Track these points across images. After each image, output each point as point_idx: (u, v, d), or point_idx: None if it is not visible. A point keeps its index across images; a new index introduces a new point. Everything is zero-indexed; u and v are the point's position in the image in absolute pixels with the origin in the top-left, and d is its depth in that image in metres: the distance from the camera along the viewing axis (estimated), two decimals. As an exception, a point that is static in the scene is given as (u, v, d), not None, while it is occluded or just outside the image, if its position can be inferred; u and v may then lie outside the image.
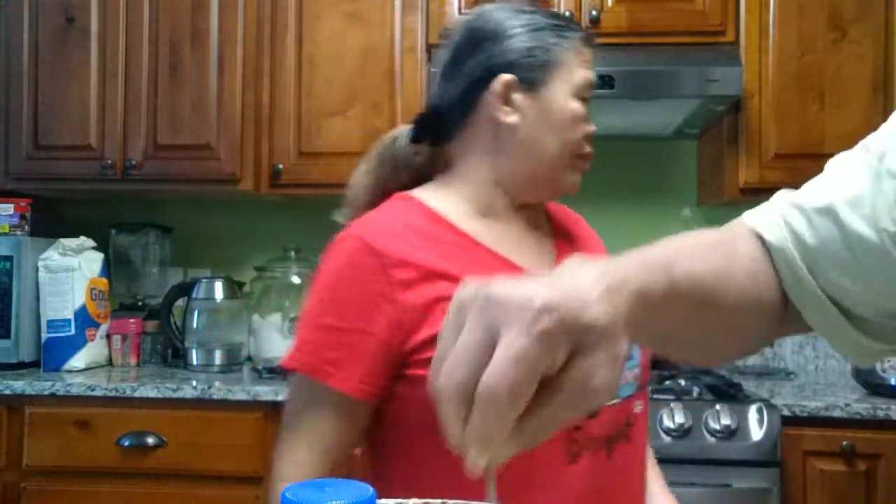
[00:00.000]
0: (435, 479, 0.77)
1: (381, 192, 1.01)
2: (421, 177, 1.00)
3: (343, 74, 2.18)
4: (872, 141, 0.58)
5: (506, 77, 0.89)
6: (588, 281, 0.45)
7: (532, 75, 0.90)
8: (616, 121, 2.28)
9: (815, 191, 0.59)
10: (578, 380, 0.43)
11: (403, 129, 1.02)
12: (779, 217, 0.60)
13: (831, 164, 0.61)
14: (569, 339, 0.42)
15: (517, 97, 0.90)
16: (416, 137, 0.99)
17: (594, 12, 2.07)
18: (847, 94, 2.04)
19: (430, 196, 0.94)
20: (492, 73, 0.90)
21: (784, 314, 0.61)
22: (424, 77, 2.14)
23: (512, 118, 0.90)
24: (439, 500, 0.51)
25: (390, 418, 0.87)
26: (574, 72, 0.91)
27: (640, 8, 2.08)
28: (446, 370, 0.43)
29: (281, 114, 2.19)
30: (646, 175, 2.49)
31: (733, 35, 2.08)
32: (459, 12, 2.12)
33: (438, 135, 0.97)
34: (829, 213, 0.56)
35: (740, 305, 0.58)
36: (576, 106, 0.91)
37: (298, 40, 2.19)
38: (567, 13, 2.08)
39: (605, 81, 1.96)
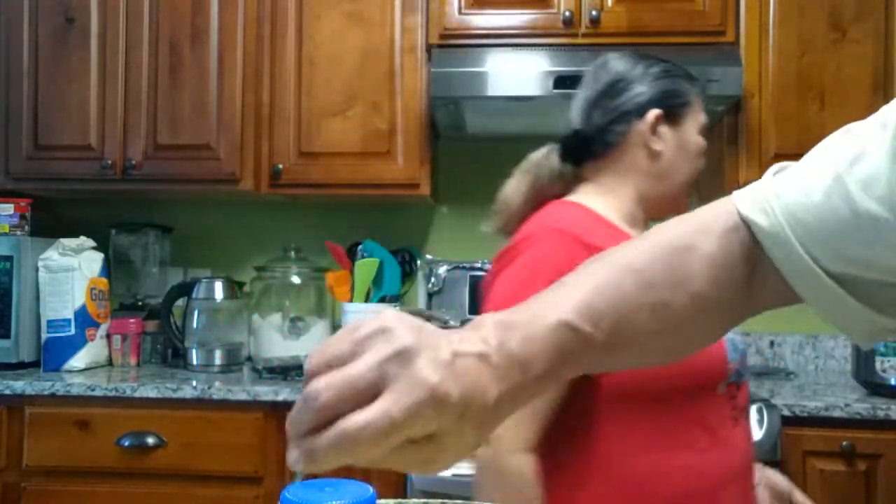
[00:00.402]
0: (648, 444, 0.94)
1: (537, 200, 1.16)
2: (566, 188, 1.17)
3: (343, 74, 2.18)
4: (890, 117, 0.55)
5: (656, 111, 1.11)
6: (488, 377, 0.49)
7: (674, 112, 1.13)
8: (616, 121, 2.28)
9: (819, 166, 0.56)
10: (434, 451, 0.47)
11: (551, 147, 1.22)
12: (773, 197, 0.57)
13: (837, 137, 0.59)
14: (441, 425, 0.46)
15: (663, 129, 1.12)
16: (563, 155, 1.18)
17: (594, 12, 2.07)
18: (847, 94, 2.04)
19: (592, 203, 1.10)
20: (643, 108, 1.11)
21: (745, 304, 0.60)
22: (424, 77, 2.14)
23: (659, 146, 1.11)
24: (439, 501, 0.52)
25: (596, 395, 0.97)
26: (699, 113, 1.17)
27: (640, 8, 2.08)
28: (323, 379, 0.45)
29: (281, 114, 2.19)
30: (646, 175, 2.49)
31: (733, 35, 2.08)
32: (459, 12, 2.12)
33: (581, 154, 1.16)
34: (838, 192, 0.54)
35: (678, 330, 0.59)
36: (701, 141, 1.16)
37: (298, 40, 2.19)
38: (567, 13, 2.08)
39: (605, 81, 1.96)
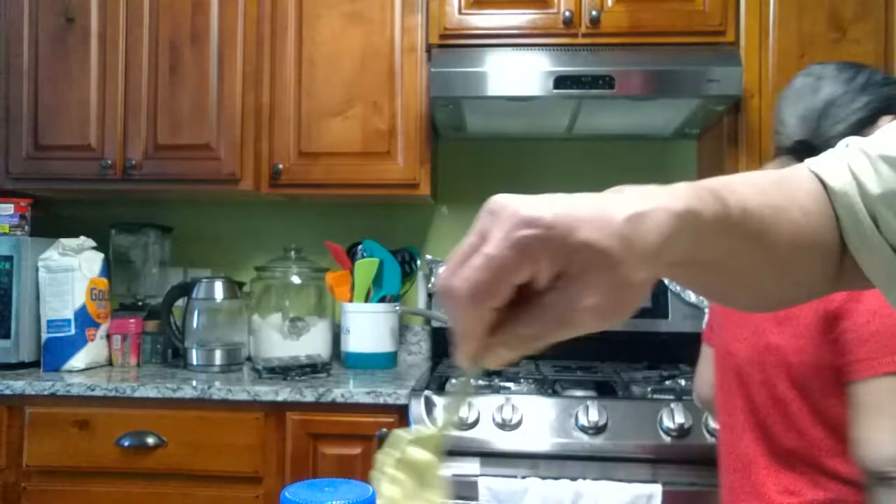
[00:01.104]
0: None
1: None
2: None
3: (343, 74, 2.18)
4: None
5: (889, 117, 1.16)
6: (619, 203, 0.44)
7: None
8: (616, 121, 2.28)
9: (889, 140, 0.57)
10: (560, 301, 0.42)
11: (783, 158, 1.24)
12: (843, 163, 0.57)
13: None
14: (553, 257, 0.42)
15: None
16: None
17: (594, 12, 2.07)
18: (847, 94, 2.03)
19: None
20: (877, 113, 1.17)
21: (840, 264, 0.58)
22: (424, 77, 2.14)
23: None
24: (439, 501, 0.52)
25: None
26: None
27: (640, 8, 2.08)
28: (443, 269, 0.44)
29: (281, 114, 2.19)
30: (646, 175, 2.49)
31: (733, 35, 2.08)
32: (459, 12, 2.12)
33: None
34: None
35: (795, 245, 0.55)
36: None
37: (298, 40, 2.19)
38: (567, 13, 2.08)
39: (605, 81, 1.96)
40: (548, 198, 0.44)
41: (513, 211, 0.42)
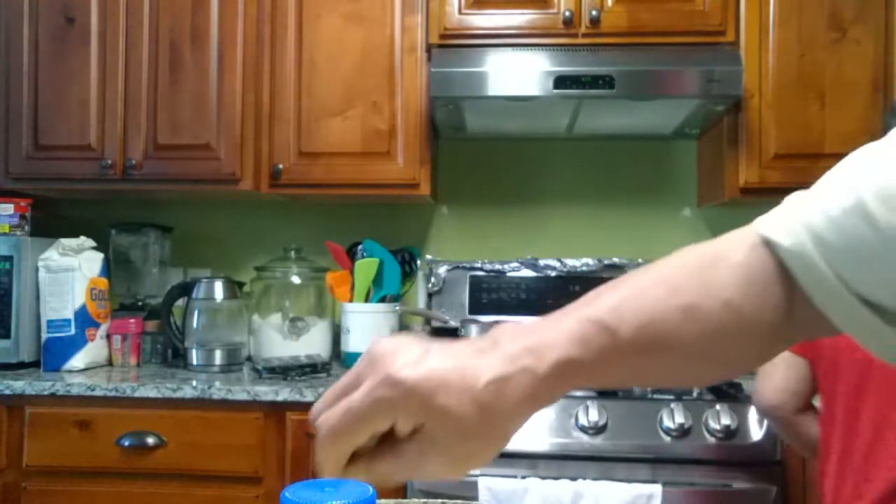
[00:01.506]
0: None
1: None
2: None
3: (343, 74, 2.18)
4: None
5: None
6: (484, 366, 0.47)
7: None
8: (616, 121, 2.28)
9: (836, 188, 0.55)
10: (414, 451, 0.47)
11: None
12: (795, 221, 0.56)
13: (853, 159, 0.58)
14: (409, 416, 0.46)
15: None
16: None
17: (594, 12, 2.07)
18: (847, 94, 2.04)
19: None
20: None
21: (784, 327, 0.57)
22: (424, 77, 2.14)
23: None
24: (439, 501, 0.53)
25: None
26: None
27: (640, 8, 2.08)
28: (320, 400, 0.51)
29: (281, 114, 2.19)
30: (646, 175, 2.49)
31: (733, 35, 2.08)
32: (459, 12, 2.12)
33: None
34: (857, 211, 0.53)
35: (716, 336, 0.55)
36: None
37: (298, 40, 2.19)
38: (567, 13, 2.08)
39: (605, 81, 1.96)
40: (425, 350, 0.47)
41: (384, 367, 0.46)
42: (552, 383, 0.48)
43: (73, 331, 2.12)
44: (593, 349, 0.49)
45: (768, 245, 0.56)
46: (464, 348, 0.48)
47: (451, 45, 2.12)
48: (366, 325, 2.24)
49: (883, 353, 0.56)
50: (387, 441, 0.48)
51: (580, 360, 0.49)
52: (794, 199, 0.57)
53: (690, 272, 0.55)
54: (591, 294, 0.54)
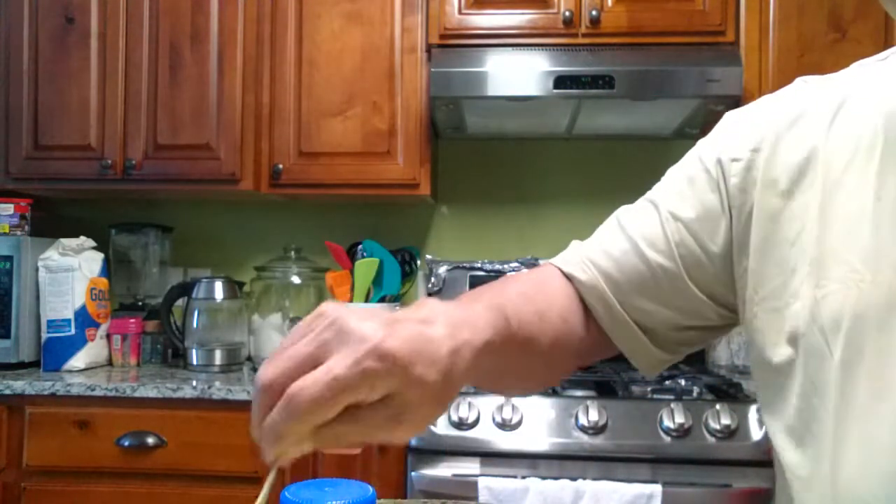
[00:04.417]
0: None
1: None
2: None
3: (343, 74, 2.18)
4: (654, 193, 0.74)
5: None
6: (439, 334, 0.50)
7: None
8: (616, 121, 2.28)
9: (612, 237, 0.73)
10: (381, 414, 0.47)
11: None
12: (585, 260, 0.73)
13: (619, 215, 0.76)
14: (389, 386, 0.47)
15: None
16: None
17: (594, 12, 2.07)
18: (847, 94, 2.03)
19: None
20: None
21: (586, 345, 0.73)
22: (424, 77, 2.14)
23: None
24: (439, 501, 0.53)
25: None
26: None
27: (640, 8, 2.08)
28: (269, 365, 0.48)
29: (281, 114, 2.19)
30: (646, 175, 2.48)
31: (733, 35, 2.08)
32: (459, 12, 2.12)
33: None
34: (633, 252, 0.71)
35: (556, 342, 0.68)
36: None
37: (298, 40, 2.19)
38: (567, 13, 2.08)
39: (605, 81, 1.96)
40: (388, 319, 0.49)
41: (363, 338, 0.46)
42: (481, 357, 0.53)
43: (73, 331, 2.12)
44: (500, 336, 0.57)
45: (569, 279, 0.73)
46: (409, 317, 0.50)
47: (451, 45, 2.12)
48: (366, 325, 2.24)
49: (644, 366, 0.75)
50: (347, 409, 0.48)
51: (494, 342, 0.56)
52: (577, 244, 0.77)
53: (536, 284, 0.72)
54: (475, 292, 0.64)
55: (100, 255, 2.24)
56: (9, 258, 2.11)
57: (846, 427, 0.56)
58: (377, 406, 0.47)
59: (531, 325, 0.64)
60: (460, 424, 1.76)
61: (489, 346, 0.55)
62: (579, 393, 1.84)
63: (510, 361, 0.63)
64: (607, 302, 0.71)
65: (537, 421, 1.75)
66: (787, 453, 0.62)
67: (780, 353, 0.62)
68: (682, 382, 1.95)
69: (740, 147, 0.68)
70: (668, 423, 1.72)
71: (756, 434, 1.71)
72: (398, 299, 2.34)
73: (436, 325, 0.50)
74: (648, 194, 0.75)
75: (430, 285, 2.44)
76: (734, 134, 0.70)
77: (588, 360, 0.76)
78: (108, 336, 2.23)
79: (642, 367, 0.75)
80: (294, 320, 2.24)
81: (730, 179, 0.67)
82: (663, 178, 0.76)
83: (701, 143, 0.73)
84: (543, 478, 1.68)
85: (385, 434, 0.48)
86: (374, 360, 0.45)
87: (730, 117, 0.73)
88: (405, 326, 0.48)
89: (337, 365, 0.45)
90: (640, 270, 0.70)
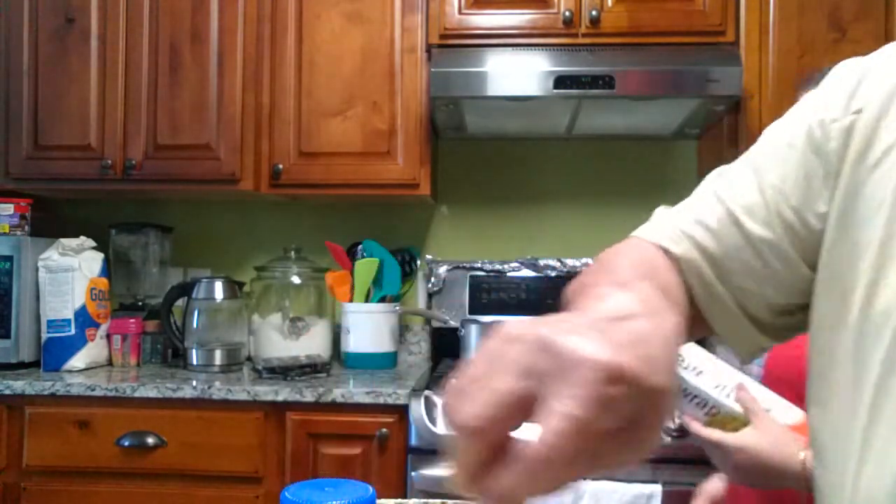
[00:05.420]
0: None
1: None
2: None
3: (343, 74, 2.18)
4: (751, 155, 0.68)
5: None
6: (649, 330, 0.42)
7: None
8: (616, 121, 2.28)
9: (707, 205, 0.65)
10: (626, 440, 0.40)
11: None
12: (679, 232, 0.64)
13: (714, 181, 0.68)
14: (631, 404, 0.39)
15: None
16: None
17: (594, 12, 2.07)
18: (847, 94, 2.03)
19: None
20: None
21: (687, 325, 0.61)
22: (424, 77, 2.14)
23: None
24: (439, 501, 0.52)
25: None
26: None
27: (640, 8, 2.08)
28: (466, 402, 0.39)
29: (281, 114, 2.19)
30: (646, 175, 2.49)
31: (733, 35, 2.08)
32: (459, 12, 2.12)
33: None
34: (731, 223, 0.63)
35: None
36: None
37: (298, 40, 2.19)
38: (567, 13, 2.08)
39: (604, 81, 1.96)
40: (595, 329, 0.40)
41: (586, 361, 0.37)
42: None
43: (73, 331, 2.12)
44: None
45: (664, 250, 0.64)
46: (606, 317, 0.42)
47: (451, 45, 2.12)
48: (366, 325, 2.24)
49: (742, 351, 0.66)
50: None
51: (679, 321, 0.48)
52: (664, 212, 0.67)
53: (647, 265, 0.62)
54: (588, 278, 0.56)
55: (100, 255, 2.24)
56: (9, 258, 2.11)
57: (876, 425, 0.52)
58: (614, 433, 0.39)
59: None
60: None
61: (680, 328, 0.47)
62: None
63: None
64: (704, 279, 0.63)
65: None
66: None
67: (833, 339, 0.57)
68: (682, 382, 1.95)
69: (842, 106, 0.62)
70: (668, 422, 1.71)
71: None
72: (398, 299, 2.34)
73: (638, 318, 0.42)
74: (745, 157, 0.68)
75: (430, 285, 2.44)
76: (838, 91, 0.64)
77: (684, 341, 0.65)
78: (108, 336, 2.23)
79: (741, 352, 0.67)
80: (294, 320, 2.24)
81: (829, 143, 0.61)
82: (761, 139, 0.68)
83: (805, 98, 0.68)
84: (543, 478, 1.68)
85: (623, 461, 0.41)
86: (611, 384, 0.37)
87: (839, 70, 0.66)
88: (617, 332, 0.40)
89: (573, 405, 0.37)
90: (738, 244, 0.62)
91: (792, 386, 1.08)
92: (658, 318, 0.43)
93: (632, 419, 0.39)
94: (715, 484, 1.08)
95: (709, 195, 0.66)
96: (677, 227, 0.64)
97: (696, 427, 0.92)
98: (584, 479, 0.43)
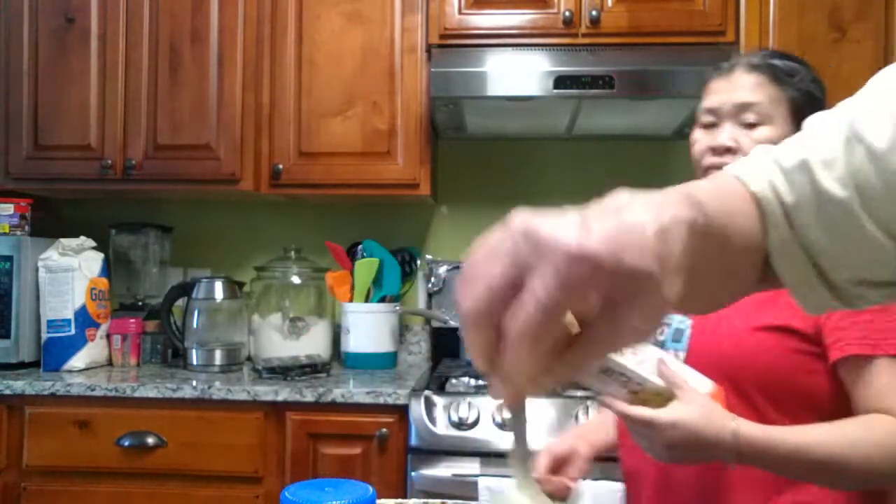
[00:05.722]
0: None
1: None
2: None
3: (343, 74, 2.18)
4: (842, 108, 0.62)
5: None
6: (643, 216, 0.43)
7: None
8: (616, 121, 2.28)
9: (791, 148, 0.60)
10: (605, 327, 0.42)
11: None
12: (760, 171, 0.60)
13: (809, 123, 0.64)
14: (601, 289, 0.41)
15: None
16: None
17: (594, 12, 2.07)
18: (847, 93, 2.01)
19: None
20: None
21: (764, 265, 0.60)
22: (424, 77, 2.14)
23: None
24: (439, 501, 0.52)
25: None
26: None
27: (640, 8, 2.08)
28: (468, 294, 0.43)
29: (281, 114, 2.19)
30: (646, 175, 2.49)
31: (733, 35, 2.08)
32: (459, 12, 2.12)
33: None
34: (804, 170, 0.58)
35: (743, 248, 0.58)
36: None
37: (298, 40, 2.19)
38: (567, 13, 2.08)
39: (604, 81, 1.96)
40: (571, 218, 0.43)
41: (560, 246, 0.40)
42: (692, 236, 0.47)
43: (73, 331, 2.12)
44: (700, 221, 0.50)
45: (746, 187, 0.60)
46: (603, 208, 0.44)
47: (451, 45, 2.12)
48: (366, 325, 2.24)
49: (813, 310, 0.62)
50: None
51: (696, 224, 0.48)
52: (761, 149, 0.63)
53: (718, 186, 0.59)
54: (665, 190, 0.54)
55: (100, 255, 2.24)
56: (9, 258, 2.11)
57: None
58: (596, 322, 0.42)
59: (722, 218, 0.54)
60: (460, 424, 1.76)
61: (695, 227, 0.47)
62: (579, 393, 1.84)
63: (712, 252, 0.53)
64: (772, 219, 0.59)
65: (538, 421, 1.75)
66: None
67: None
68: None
69: None
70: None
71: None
72: (398, 299, 2.34)
73: (634, 209, 0.43)
74: (844, 102, 0.63)
75: (430, 285, 2.44)
76: None
77: (767, 285, 0.62)
78: (108, 336, 2.23)
79: (806, 304, 0.62)
80: (294, 320, 2.24)
81: None
82: (865, 86, 0.64)
83: None
84: (543, 478, 1.68)
85: (611, 348, 0.44)
86: (574, 266, 0.39)
87: None
88: (600, 220, 0.42)
89: (538, 286, 0.40)
90: (807, 194, 0.57)
91: (715, 366, 1.05)
92: (657, 210, 0.44)
93: (609, 302, 0.41)
94: (557, 442, 1.15)
95: (798, 137, 0.62)
96: (761, 163, 0.61)
97: (622, 406, 0.88)
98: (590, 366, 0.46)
